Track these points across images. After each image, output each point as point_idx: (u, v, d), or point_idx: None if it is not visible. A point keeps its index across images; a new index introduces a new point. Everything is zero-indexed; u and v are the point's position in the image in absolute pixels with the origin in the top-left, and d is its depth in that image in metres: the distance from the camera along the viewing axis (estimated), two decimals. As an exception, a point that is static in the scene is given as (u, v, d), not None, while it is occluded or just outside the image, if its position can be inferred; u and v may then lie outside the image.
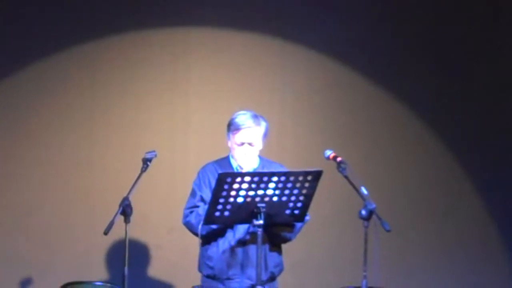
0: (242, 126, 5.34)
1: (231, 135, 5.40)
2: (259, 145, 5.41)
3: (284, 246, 5.50)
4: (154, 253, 6.86)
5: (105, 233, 5.25)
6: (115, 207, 5.30)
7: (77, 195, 6.84)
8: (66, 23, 6.86)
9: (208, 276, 5.43)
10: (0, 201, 6.80)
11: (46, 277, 6.73)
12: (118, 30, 6.91)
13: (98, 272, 6.78)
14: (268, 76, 7.04)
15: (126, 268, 5.31)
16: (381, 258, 5.37)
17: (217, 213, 5.10)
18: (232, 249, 5.34)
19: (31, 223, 6.81)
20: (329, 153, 5.28)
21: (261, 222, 5.06)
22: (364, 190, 5.08)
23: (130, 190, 5.33)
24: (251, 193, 5.05)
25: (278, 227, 5.33)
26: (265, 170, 5.33)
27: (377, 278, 5.32)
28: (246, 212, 5.09)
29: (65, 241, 6.81)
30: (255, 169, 5.40)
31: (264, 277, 5.29)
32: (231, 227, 5.33)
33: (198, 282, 5.58)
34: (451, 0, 7.23)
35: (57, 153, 6.85)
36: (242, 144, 5.36)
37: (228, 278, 5.38)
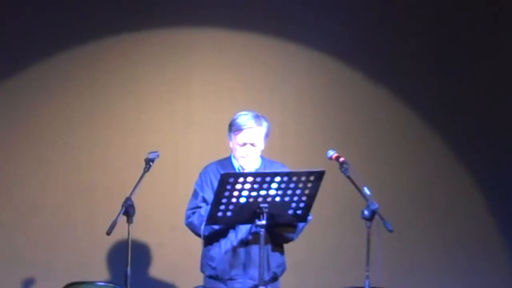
0: (244, 127, 5.34)
1: (232, 136, 5.40)
2: (261, 145, 5.42)
3: (286, 246, 5.51)
4: (157, 254, 6.86)
5: (108, 233, 5.25)
6: (117, 207, 5.30)
7: (79, 195, 6.84)
8: (66, 23, 6.86)
9: (210, 277, 5.44)
10: (2, 201, 6.80)
11: (49, 277, 6.74)
12: (119, 30, 6.91)
13: (101, 272, 6.79)
14: (270, 76, 7.05)
15: (128, 268, 5.31)
16: (383, 258, 5.37)
17: (220, 214, 5.11)
18: (234, 250, 5.35)
19: (33, 223, 6.81)
20: (332, 153, 5.28)
21: (263, 222, 5.06)
22: (366, 191, 5.09)
23: (133, 190, 5.33)
24: (254, 193, 5.05)
25: (280, 227, 5.33)
26: (267, 171, 5.33)
27: (380, 278, 5.32)
28: (249, 213, 5.09)
29: (67, 241, 6.81)
30: (257, 170, 5.40)
31: (267, 277, 5.29)
32: (234, 227, 5.33)
33: (200, 282, 5.58)
34: (452, -1, 7.26)
35: (58, 153, 6.86)
36: (244, 144, 5.36)
37: (231, 279, 5.38)
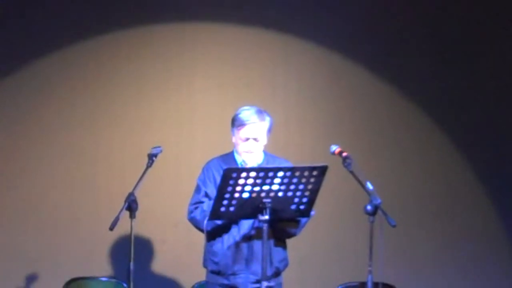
0: (247, 122, 5.34)
1: (235, 131, 5.40)
2: (263, 140, 5.41)
3: (289, 241, 5.50)
4: (160, 249, 6.87)
5: (111, 228, 5.26)
6: (120, 203, 5.31)
7: (82, 191, 6.84)
8: (68, 20, 6.86)
9: (213, 272, 5.43)
10: (5, 197, 6.81)
11: (52, 272, 6.74)
12: (122, 26, 6.92)
13: (104, 267, 6.79)
14: (273, 71, 7.04)
15: (131, 264, 5.32)
16: (386, 253, 5.36)
17: (223, 209, 5.11)
18: (237, 245, 5.34)
19: (36, 219, 6.82)
20: (335, 148, 5.28)
21: (266, 217, 5.06)
22: (369, 185, 5.08)
23: (136, 186, 5.33)
24: (257, 188, 5.05)
25: (283, 222, 5.33)
26: (270, 166, 5.33)
27: (382, 273, 5.31)
28: (252, 208, 5.09)
29: (70, 237, 6.82)
30: (259, 165, 5.39)
31: (269, 272, 5.28)
32: (236, 222, 5.33)
33: (203, 277, 5.58)
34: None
35: (62, 149, 6.86)
36: (247, 139, 5.36)
37: (233, 274, 5.38)
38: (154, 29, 6.95)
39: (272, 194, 5.08)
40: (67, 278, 6.55)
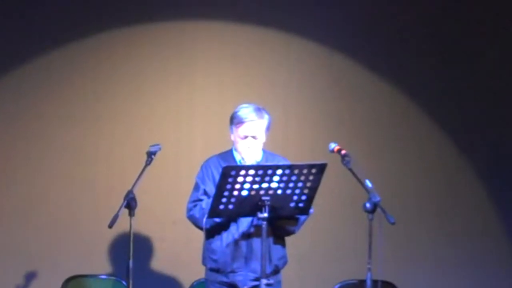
0: (245, 119, 5.34)
1: (234, 128, 5.40)
2: (262, 138, 5.41)
3: (288, 239, 5.50)
4: (159, 246, 6.87)
5: (110, 226, 5.26)
6: (119, 201, 5.31)
7: (81, 188, 6.84)
8: (69, 17, 6.86)
9: (212, 269, 5.43)
10: (5, 194, 6.81)
11: (51, 270, 6.74)
12: (122, 24, 6.91)
13: (103, 265, 6.79)
14: (272, 69, 7.04)
15: (130, 261, 5.32)
16: (385, 251, 5.37)
17: (222, 206, 5.11)
18: (236, 242, 5.34)
19: (36, 216, 6.81)
20: (334, 146, 5.28)
21: (265, 215, 5.06)
22: (368, 183, 5.09)
23: (135, 184, 5.33)
24: (256, 186, 5.05)
25: (282, 220, 5.33)
26: (269, 163, 5.33)
27: (382, 271, 5.31)
28: (251, 205, 5.10)
29: (69, 235, 6.82)
30: (258, 162, 5.39)
31: (268, 270, 5.28)
32: (235, 220, 5.33)
33: (202, 275, 5.59)
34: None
35: (61, 147, 6.86)
36: (246, 137, 5.36)
37: (232, 271, 5.38)
38: (154, 27, 6.94)
39: (271, 192, 5.08)
40: (67, 276, 6.55)
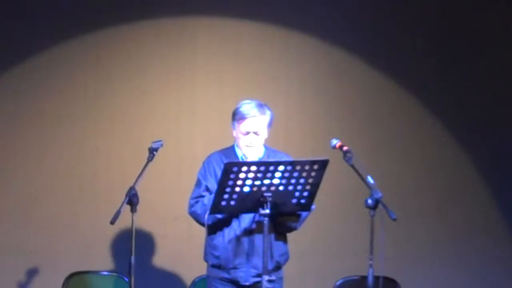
0: (247, 115, 5.34)
1: (236, 125, 5.39)
2: (264, 134, 5.41)
3: (290, 235, 5.50)
4: (160, 243, 6.87)
5: (112, 222, 5.26)
6: (121, 197, 5.31)
7: (83, 185, 6.85)
8: (71, 13, 6.86)
9: (213, 266, 5.43)
10: (6, 191, 6.81)
11: (52, 266, 6.75)
12: (122, 20, 6.91)
13: (105, 261, 6.79)
14: (274, 65, 7.04)
15: (132, 258, 5.31)
16: (387, 247, 5.36)
17: (223, 203, 5.11)
18: (237, 239, 5.34)
19: (37, 213, 6.82)
20: (335, 142, 5.27)
21: (267, 211, 5.06)
22: (370, 179, 5.08)
23: (137, 180, 5.33)
24: (257, 182, 5.05)
25: (283, 216, 5.33)
26: (271, 160, 5.33)
27: (383, 267, 5.31)
28: (253, 202, 5.10)
29: (71, 231, 6.82)
30: (260, 159, 5.39)
31: (270, 266, 5.29)
32: (237, 216, 5.33)
33: (204, 271, 5.59)
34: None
35: (62, 143, 6.86)
36: (247, 133, 5.36)
37: (234, 267, 5.37)
38: (154, 24, 6.94)
39: (273, 188, 5.08)
40: (68, 272, 6.55)
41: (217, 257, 5.39)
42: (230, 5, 6.98)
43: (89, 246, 6.81)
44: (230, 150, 5.49)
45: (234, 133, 5.42)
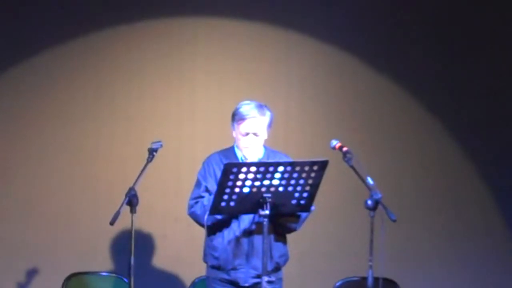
0: (247, 116, 5.33)
1: (236, 125, 5.39)
2: (264, 135, 5.40)
3: (289, 236, 5.50)
4: (160, 243, 6.87)
5: (111, 223, 5.26)
6: (121, 198, 5.30)
7: (82, 186, 6.84)
8: (69, 14, 6.86)
9: (213, 267, 5.43)
10: (6, 191, 6.81)
11: (52, 267, 6.75)
12: (122, 20, 6.91)
13: (104, 262, 6.79)
14: (273, 66, 7.04)
15: (132, 258, 5.31)
16: (387, 248, 5.36)
17: (223, 203, 5.10)
18: (237, 240, 5.34)
19: (37, 213, 6.82)
20: (335, 143, 5.27)
21: (267, 212, 5.06)
22: (370, 180, 5.08)
23: (136, 180, 5.33)
24: (257, 183, 5.05)
25: (283, 217, 5.32)
26: (271, 160, 5.33)
27: (383, 268, 5.31)
28: (252, 202, 5.09)
29: (71, 232, 6.82)
30: (260, 159, 5.39)
31: (269, 267, 5.28)
32: (237, 217, 5.33)
33: (203, 272, 5.58)
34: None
35: (62, 144, 6.86)
36: (247, 134, 5.35)
37: (234, 268, 5.37)
38: (154, 24, 6.94)
39: (272, 189, 5.08)
40: (68, 273, 6.55)
41: (216, 258, 5.39)
42: (230, 5, 6.98)
43: (88, 247, 6.81)
44: (230, 150, 5.48)
45: (234, 134, 5.42)
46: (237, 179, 5.02)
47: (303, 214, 5.36)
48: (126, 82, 6.92)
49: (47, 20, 6.84)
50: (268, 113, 5.39)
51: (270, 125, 5.42)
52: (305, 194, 5.16)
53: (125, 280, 6.39)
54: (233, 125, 5.41)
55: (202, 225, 5.29)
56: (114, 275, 6.61)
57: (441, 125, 7.22)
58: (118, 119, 6.91)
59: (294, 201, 5.18)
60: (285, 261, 5.49)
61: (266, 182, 5.06)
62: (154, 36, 6.92)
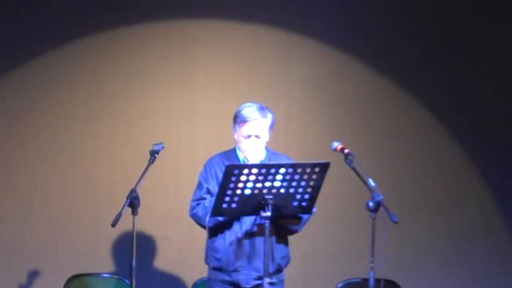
0: (249, 119, 5.34)
1: (237, 128, 5.39)
2: (265, 137, 5.41)
3: (291, 238, 5.50)
4: (161, 245, 6.87)
5: (113, 225, 5.26)
6: (122, 199, 5.31)
7: (84, 187, 6.84)
8: (71, 15, 6.86)
9: (215, 268, 5.43)
10: (7, 192, 6.81)
11: (54, 269, 6.74)
12: (123, 22, 6.91)
13: (106, 264, 6.79)
14: (274, 68, 7.04)
15: (133, 260, 5.31)
16: (388, 250, 5.36)
17: (225, 205, 5.11)
18: (239, 241, 5.34)
19: (37, 214, 6.82)
20: (337, 144, 5.28)
21: (268, 214, 5.06)
22: (371, 182, 5.08)
23: (138, 182, 5.33)
24: (259, 185, 5.05)
25: (285, 219, 5.33)
26: (272, 162, 5.33)
27: (384, 270, 5.31)
28: (254, 204, 5.10)
29: (72, 234, 6.82)
30: (261, 161, 5.39)
31: (271, 269, 5.29)
32: (238, 219, 5.33)
33: (205, 274, 5.59)
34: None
35: (63, 145, 6.86)
36: (249, 136, 5.36)
37: (235, 270, 5.38)
38: (155, 26, 6.94)
39: (274, 190, 5.08)
40: (69, 275, 6.55)
41: (218, 260, 5.40)
42: (230, 7, 6.98)
43: (90, 249, 6.81)
44: (232, 152, 5.48)
45: (236, 136, 5.42)
46: (238, 181, 5.03)
47: (305, 216, 5.36)
48: (127, 83, 6.92)
49: (48, 22, 6.84)
50: (269, 115, 5.39)
51: (271, 127, 5.43)
52: (306, 196, 5.17)
53: (127, 281, 6.40)
54: (234, 127, 5.41)
55: (203, 226, 5.30)
56: (115, 276, 6.61)
57: (441, 125, 7.22)
58: (118, 120, 6.91)
59: (295, 203, 5.19)
60: (287, 262, 5.50)
61: (267, 184, 5.06)
62: (155, 38, 6.92)
